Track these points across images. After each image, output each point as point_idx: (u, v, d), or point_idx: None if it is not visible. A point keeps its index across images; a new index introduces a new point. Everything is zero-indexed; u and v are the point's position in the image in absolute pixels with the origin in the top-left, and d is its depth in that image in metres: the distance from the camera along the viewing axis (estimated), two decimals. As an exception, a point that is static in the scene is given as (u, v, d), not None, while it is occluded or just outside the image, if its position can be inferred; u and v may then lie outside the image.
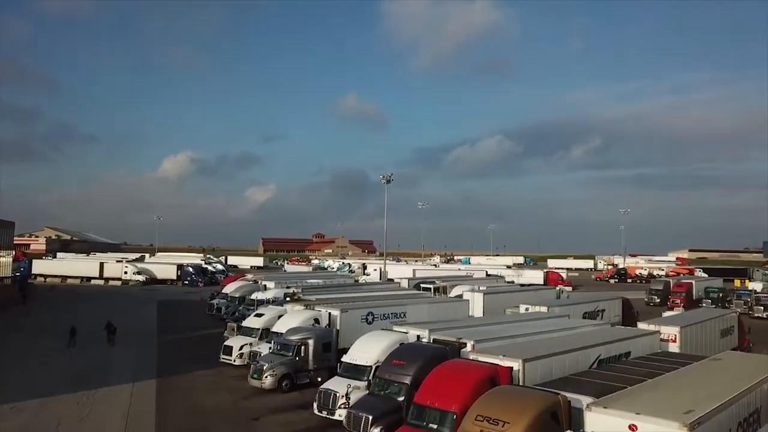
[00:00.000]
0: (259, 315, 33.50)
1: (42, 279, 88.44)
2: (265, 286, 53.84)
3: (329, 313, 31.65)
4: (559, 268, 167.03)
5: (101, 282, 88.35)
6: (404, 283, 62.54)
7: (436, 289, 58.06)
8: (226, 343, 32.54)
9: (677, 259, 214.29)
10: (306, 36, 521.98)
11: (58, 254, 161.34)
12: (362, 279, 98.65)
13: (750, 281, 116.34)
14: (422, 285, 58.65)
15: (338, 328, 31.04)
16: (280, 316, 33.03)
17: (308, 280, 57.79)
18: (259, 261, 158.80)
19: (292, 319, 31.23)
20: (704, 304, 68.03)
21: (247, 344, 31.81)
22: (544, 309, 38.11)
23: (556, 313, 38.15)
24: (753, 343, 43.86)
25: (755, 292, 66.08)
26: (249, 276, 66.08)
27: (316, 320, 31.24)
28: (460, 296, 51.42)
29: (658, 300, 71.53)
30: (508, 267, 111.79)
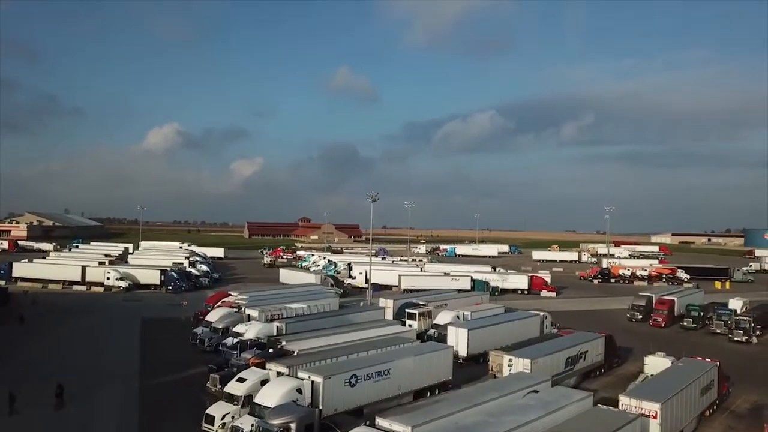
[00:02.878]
0: (242, 380, 33.16)
1: (23, 285, 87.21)
2: (249, 315, 53.60)
3: (312, 382, 31.59)
4: (543, 261, 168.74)
5: (83, 288, 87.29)
6: (389, 308, 62.50)
7: (421, 315, 58.22)
8: (208, 411, 32.18)
9: (660, 249, 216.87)
10: (298, 9, 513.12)
11: (39, 245, 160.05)
12: (348, 282, 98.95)
13: (729, 282, 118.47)
14: (407, 311, 58.68)
15: (321, 396, 31.24)
16: (263, 381, 32.86)
17: (291, 306, 57.41)
18: (219, 252, 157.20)
19: (275, 389, 31.00)
20: (685, 323, 69.13)
21: (228, 414, 31.52)
22: (527, 363, 38.17)
23: (540, 367, 38.47)
24: (732, 383, 44.58)
25: (735, 313, 66.74)
26: (233, 296, 65.55)
27: (299, 390, 31.08)
28: (445, 328, 51.85)
29: (640, 317, 72.21)
30: (493, 269, 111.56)
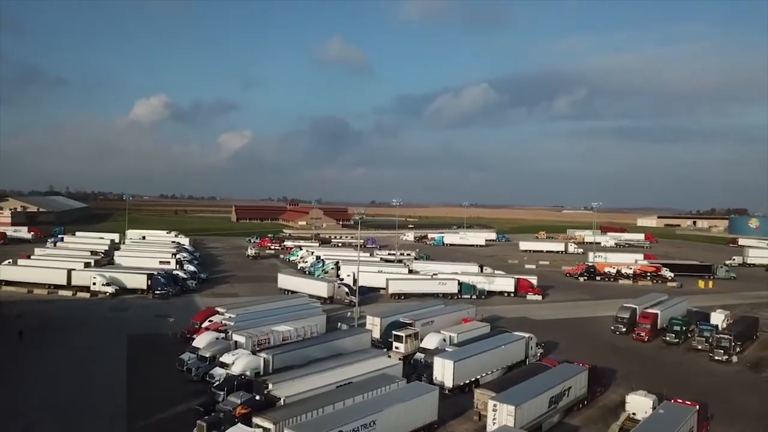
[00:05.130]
0: (228, 440, 33.42)
1: (7, 289, 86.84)
2: (236, 343, 53.71)
3: (298, 443, 32.00)
4: (530, 252, 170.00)
5: (69, 293, 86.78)
6: (376, 327, 62.93)
7: (408, 337, 58.68)
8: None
9: (646, 237, 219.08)
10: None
11: (21, 235, 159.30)
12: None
13: (712, 280, 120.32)
14: (394, 333, 59.11)
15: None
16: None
17: (278, 329, 57.46)
18: (185, 241, 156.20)
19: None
20: (668, 338, 70.24)
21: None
22: (511, 410, 38.64)
23: (524, 412, 39.21)
24: (711, 416, 45.61)
25: (716, 330, 67.83)
26: (220, 312, 65.66)
27: (285, 454, 31.46)
28: (432, 354, 52.41)
29: (624, 329, 73.16)
30: (481, 268, 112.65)
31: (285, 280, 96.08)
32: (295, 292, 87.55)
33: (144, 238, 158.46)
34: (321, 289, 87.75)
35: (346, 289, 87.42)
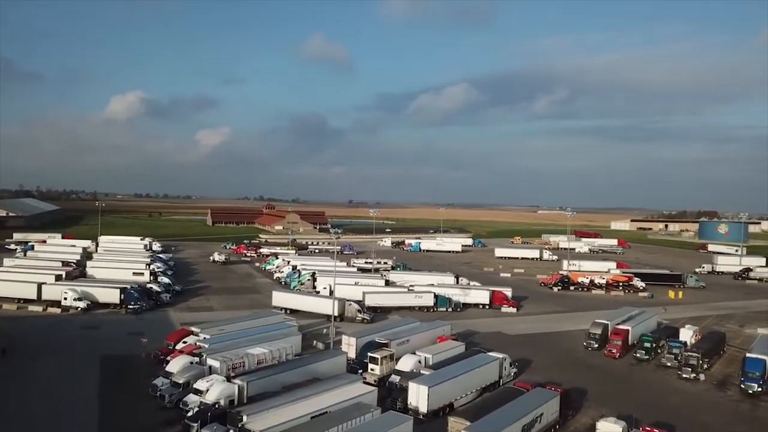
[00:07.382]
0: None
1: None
2: (210, 368, 53.39)
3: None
4: (505, 259, 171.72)
5: (40, 308, 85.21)
6: (352, 347, 63.15)
7: (384, 358, 58.93)
8: None
9: (619, 242, 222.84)
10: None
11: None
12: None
13: (682, 289, 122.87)
14: (370, 354, 59.29)
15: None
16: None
17: (253, 352, 57.22)
18: (156, 245, 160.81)
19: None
20: (638, 354, 71.64)
21: None
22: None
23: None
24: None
25: (685, 346, 69.31)
26: (194, 332, 65.22)
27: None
28: (407, 377, 52.88)
29: (596, 345, 74.40)
30: (456, 279, 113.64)
31: (282, 298, 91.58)
32: (296, 311, 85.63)
33: (98, 245, 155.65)
34: (330, 307, 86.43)
35: (357, 307, 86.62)
